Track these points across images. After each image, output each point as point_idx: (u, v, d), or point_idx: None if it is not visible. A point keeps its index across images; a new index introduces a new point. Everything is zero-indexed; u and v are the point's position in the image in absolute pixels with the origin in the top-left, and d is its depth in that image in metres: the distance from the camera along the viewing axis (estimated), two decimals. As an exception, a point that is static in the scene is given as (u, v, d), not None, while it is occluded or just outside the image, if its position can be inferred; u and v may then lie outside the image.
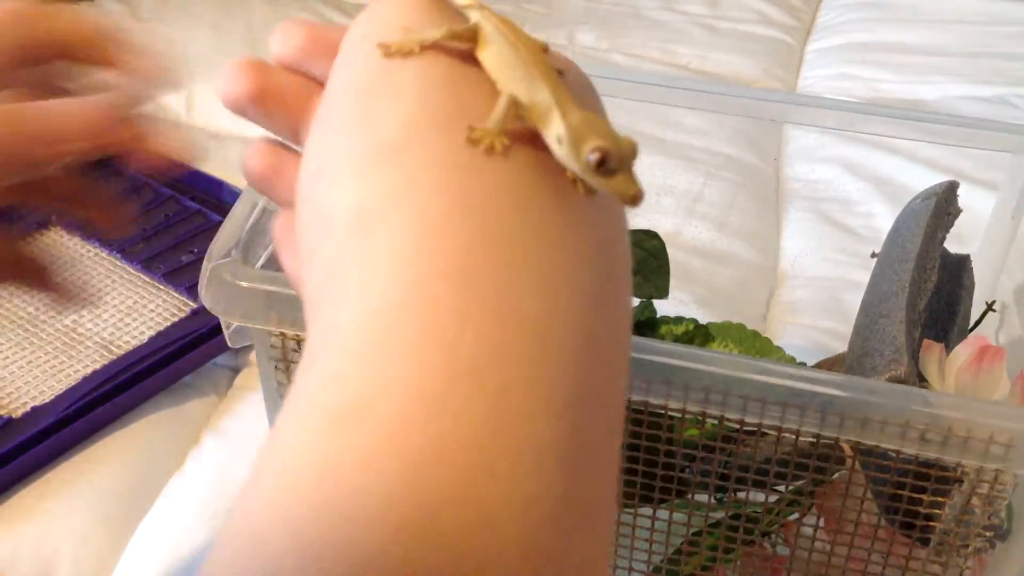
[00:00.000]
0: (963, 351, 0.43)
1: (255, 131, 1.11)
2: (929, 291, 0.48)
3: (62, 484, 0.68)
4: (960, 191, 0.55)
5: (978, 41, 1.22)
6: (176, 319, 0.79)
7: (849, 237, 0.91)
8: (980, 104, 1.10)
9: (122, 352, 0.75)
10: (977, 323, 0.55)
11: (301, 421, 0.19)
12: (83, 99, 0.30)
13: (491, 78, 0.23)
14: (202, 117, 1.09)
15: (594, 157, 0.21)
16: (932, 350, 0.43)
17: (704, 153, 1.01)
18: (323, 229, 0.22)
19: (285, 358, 0.44)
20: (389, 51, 0.23)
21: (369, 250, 0.20)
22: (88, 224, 0.33)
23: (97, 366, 0.74)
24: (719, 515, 0.46)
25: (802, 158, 1.03)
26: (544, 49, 0.25)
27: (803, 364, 0.52)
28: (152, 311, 0.80)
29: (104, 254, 0.86)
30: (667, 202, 0.93)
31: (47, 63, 0.30)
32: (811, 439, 0.39)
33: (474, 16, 0.24)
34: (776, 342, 0.81)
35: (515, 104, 0.22)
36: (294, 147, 0.28)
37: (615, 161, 0.21)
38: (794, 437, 0.39)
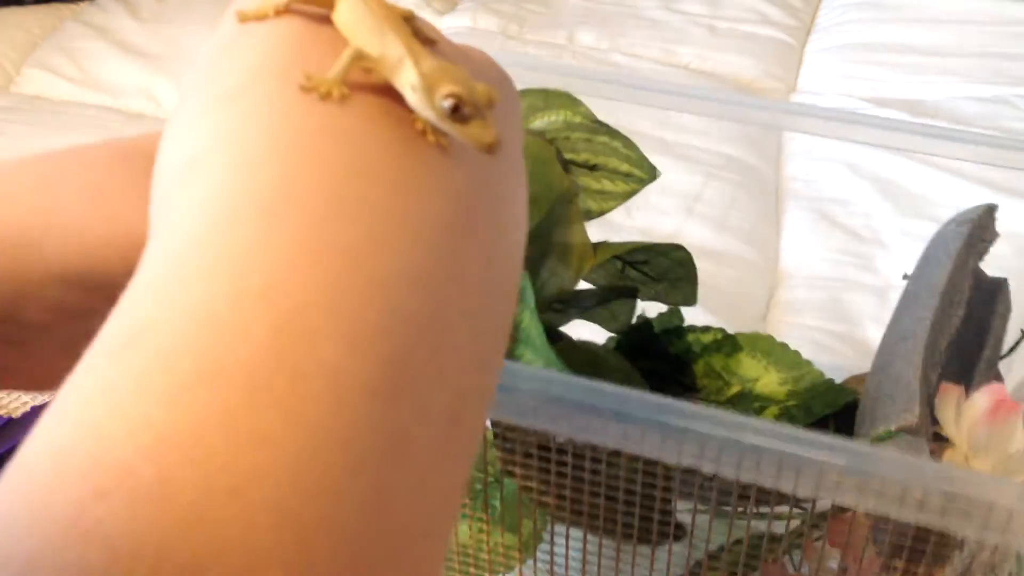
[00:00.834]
0: (980, 399, 0.42)
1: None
2: (955, 327, 0.47)
3: (62, 484, 0.68)
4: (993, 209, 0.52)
5: (978, 41, 1.22)
6: (176, 319, 0.79)
7: (849, 237, 0.91)
8: (980, 104, 1.10)
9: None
10: (1011, 350, 0.54)
11: (85, 359, 0.18)
12: None
13: (343, 37, 0.23)
14: (202, 117, 1.09)
15: (448, 103, 0.21)
16: (949, 394, 0.42)
17: (704, 153, 1.01)
18: (156, 183, 0.22)
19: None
20: (245, 16, 0.23)
21: (186, 193, 0.20)
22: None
23: (97, 366, 0.74)
24: (723, 541, 0.45)
25: (802, 158, 1.03)
26: (409, 16, 0.25)
27: (831, 381, 0.51)
28: (152, 311, 0.80)
29: (104, 254, 0.86)
30: (667, 202, 0.93)
31: None
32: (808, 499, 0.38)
33: None
34: (776, 342, 0.82)
35: (362, 57, 0.22)
36: None
37: (470, 107, 0.21)
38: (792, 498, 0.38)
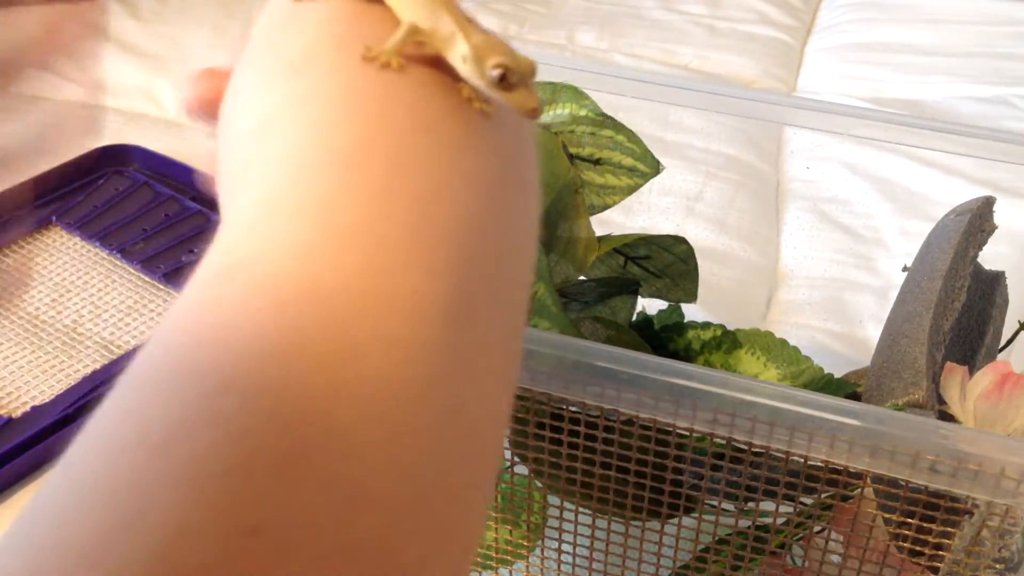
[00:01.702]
0: (985, 377, 0.42)
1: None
2: (957, 311, 0.48)
3: (62, 484, 0.68)
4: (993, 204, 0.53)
5: (978, 41, 1.22)
6: (176, 319, 0.79)
7: (849, 237, 0.91)
8: (980, 104, 1.10)
9: (122, 352, 0.75)
10: (1008, 342, 0.54)
11: (189, 286, 0.20)
12: None
13: (395, 15, 0.25)
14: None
15: (496, 72, 0.23)
16: (954, 373, 0.43)
17: (704, 153, 1.01)
18: (230, 142, 0.24)
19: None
20: None
21: (263, 151, 0.22)
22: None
23: (97, 366, 0.74)
24: (730, 526, 0.46)
25: (802, 158, 1.03)
26: None
27: (830, 376, 0.51)
28: (152, 311, 0.80)
29: (104, 254, 0.86)
30: (667, 202, 0.93)
31: None
32: (819, 463, 0.38)
33: None
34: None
35: (415, 31, 0.24)
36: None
37: (516, 76, 0.23)
38: (802, 460, 0.38)
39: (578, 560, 0.48)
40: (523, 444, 0.44)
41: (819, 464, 0.39)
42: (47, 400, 0.71)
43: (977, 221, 0.52)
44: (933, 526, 0.39)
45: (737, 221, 0.93)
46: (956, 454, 0.35)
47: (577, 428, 0.42)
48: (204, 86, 0.28)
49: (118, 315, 0.80)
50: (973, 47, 1.21)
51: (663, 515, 0.44)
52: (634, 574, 0.47)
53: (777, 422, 0.37)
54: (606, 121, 0.53)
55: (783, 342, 0.52)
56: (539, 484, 0.47)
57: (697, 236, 0.90)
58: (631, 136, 0.54)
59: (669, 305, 0.59)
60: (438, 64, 0.24)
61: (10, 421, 0.70)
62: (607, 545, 0.47)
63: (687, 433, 0.39)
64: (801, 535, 0.46)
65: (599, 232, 0.55)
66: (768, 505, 0.44)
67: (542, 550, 0.49)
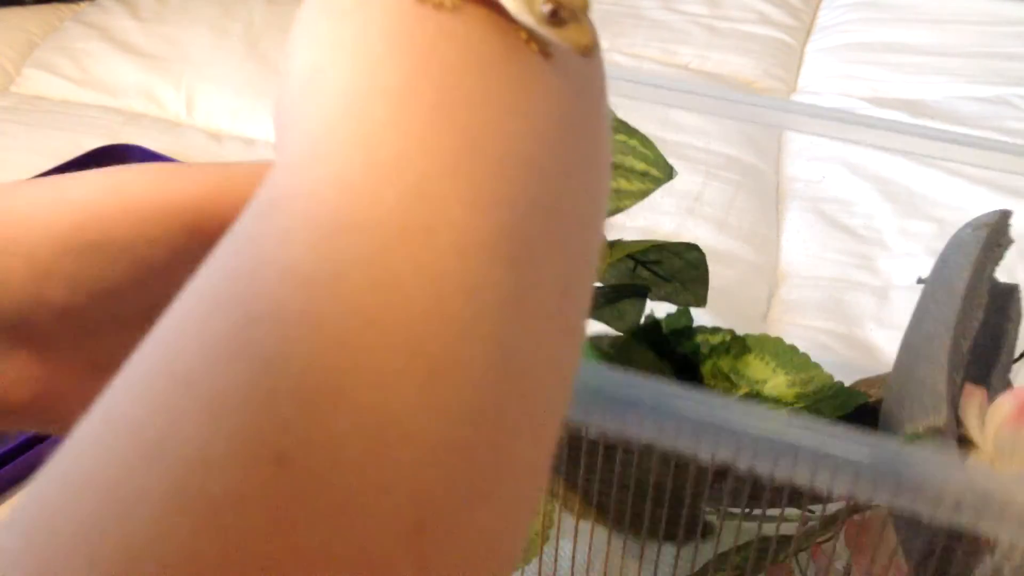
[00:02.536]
0: (1005, 403, 0.42)
1: (255, 132, 1.11)
2: (975, 329, 0.47)
3: (62, 484, 0.67)
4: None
5: (978, 41, 1.22)
6: (176, 319, 0.79)
7: (849, 237, 0.91)
8: (980, 104, 1.10)
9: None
10: (1020, 356, 0.53)
11: (233, 225, 0.20)
12: None
13: None
14: (202, 117, 1.09)
15: (547, 7, 0.22)
16: (973, 397, 0.42)
17: (704, 153, 1.01)
18: (285, 89, 0.24)
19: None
20: None
21: (318, 95, 0.22)
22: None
23: (97, 366, 0.74)
24: (747, 536, 0.45)
25: (802, 158, 1.03)
26: None
27: (840, 384, 0.50)
28: (152, 311, 0.80)
29: (104, 254, 0.86)
30: (667, 202, 0.93)
31: None
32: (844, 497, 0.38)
33: None
34: (776, 342, 0.82)
35: None
36: None
37: (567, 11, 0.22)
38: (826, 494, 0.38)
39: (589, 567, 0.48)
40: None
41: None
42: (47, 400, 0.71)
43: (994, 236, 0.51)
44: (953, 560, 0.39)
45: (737, 221, 0.93)
46: (980, 493, 0.35)
47: (595, 451, 0.42)
48: None
49: (118, 315, 0.80)
50: (973, 47, 1.21)
51: (679, 539, 0.44)
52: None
53: (800, 457, 0.36)
54: (619, 126, 0.53)
55: (793, 348, 0.51)
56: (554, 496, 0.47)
57: (697, 236, 0.90)
58: (644, 141, 0.53)
59: (678, 309, 0.59)
60: (494, 6, 0.23)
61: (10, 421, 0.70)
62: (622, 559, 0.46)
63: (708, 461, 0.39)
64: (808, 545, 0.46)
65: (609, 235, 0.55)
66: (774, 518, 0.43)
67: (556, 552, 0.49)
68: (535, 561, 0.50)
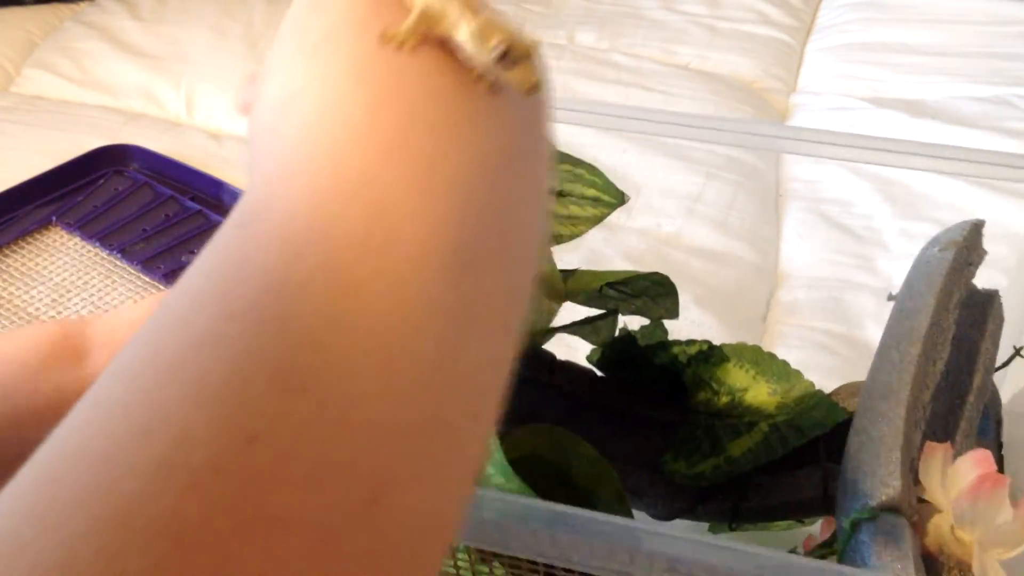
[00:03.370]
0: (965, 469, 0.40)
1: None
2: (939, 372, 0.45)
3: (62, 484, 0.68)
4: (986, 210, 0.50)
5: (978, 41, 1.22)
6: (176, 319, 0.79)
7: (849, 237, 0.91)
8: (980, 104, 1.10)
9: (122, 352, 0.75)
10: (1004, 365, 0.52)
11: (213, 237, 0.22)
12: None
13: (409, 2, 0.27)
14: (202, 117, 1.09)
15: (498, 50, 0.24)
16: (934, 454, 0.41)
17: (704, 153, 1.01)
18: (258, 115, 0.26)
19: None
20: None
21: (290, 121, 0.24)
22: None
23: (97, 366, 0.74)
24: None
25: (802, 158, 1.03)
26: None
27: (820, 392, 0.49)
28: (152, 311, 0.80)
29: (104, 254, 0.86)
30: (667, 202, 0.93)
31: None
32: None
33: None
34: (775, 343, 0.82)
35: (426, 15, 0.26)
36: None
37: (516, 53, 0.25)
38: None
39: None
40: None
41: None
42: (47, 400, 0.71)
43: (963, 254, 0.49)
44: None
45: (737, 221, 0.93)
46: None
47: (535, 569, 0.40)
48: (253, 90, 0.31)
49: (118, 315, 0.80)
50: (973, 47, 1.21)
51: None
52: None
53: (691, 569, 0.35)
54: (564, 157, 0.53)
55: (772, 356, 0.50)
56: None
57: (697, 236, 0.90)
58: (591, 169, 0.53)
59: (651, 322, 0.58)
60: (449, 48, 0.26)
61: (10, 421, 0.70)
62: None
63: None
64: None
65: (598, 233, 0.55)
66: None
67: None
68: None
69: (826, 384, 0.52)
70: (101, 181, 0.94)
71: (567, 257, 0.55)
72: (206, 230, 0.88)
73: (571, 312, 0.54)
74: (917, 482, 0.41)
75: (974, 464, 0.41)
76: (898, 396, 0.43)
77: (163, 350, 0.20)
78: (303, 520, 0.18)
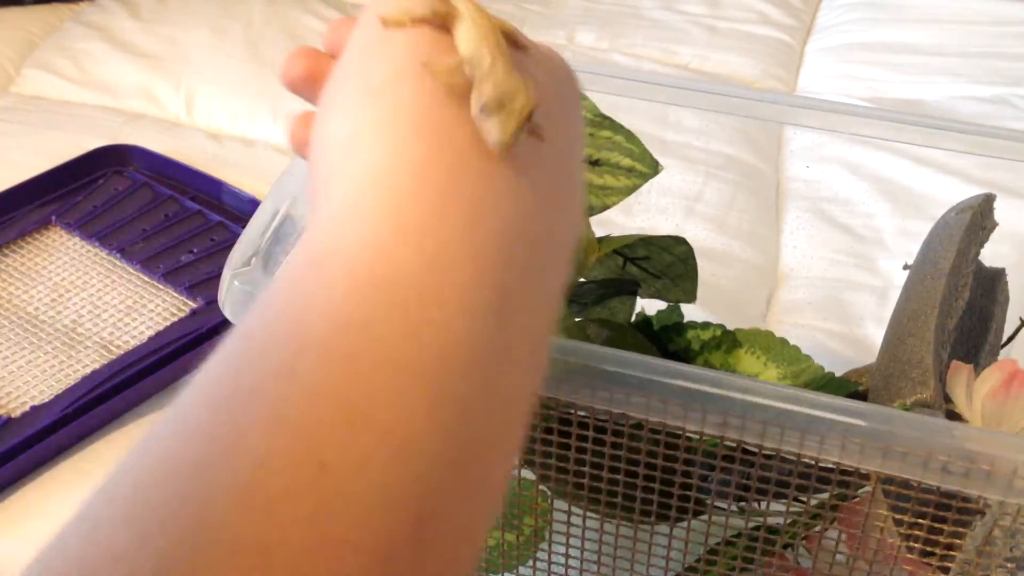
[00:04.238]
0: (991, 375, 0.42)
1: (255, 132, 1.12)
2: (960, 309, 0.47)
3: (62, 484, 0.68)
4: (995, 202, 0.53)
5: (978, 41, 1.22)
6: (176, 319, 0.79)
7: (849, 237, 0.91)
8: (980, 104, 1.10)
9: (122, 352, 0.75)
10: (1010, 339, 0.54)
11: (283, 270, 0.26)
12: None
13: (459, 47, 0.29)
14: (202, 117, 1.09)
15: (477, 103, 0.27)
16: (960, 372, 0.43)
17: (704, 153, 1.01)
18: (323, 150, 0.28)
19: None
20: (387, 23, 0.30)
21: (354, 162, 0.27)
22: None
23: (97, 366, 0.74)
24: (739, 526, 0.45)
25: (802, 158, 1.03)
26: (509, 31, 0.32)
27: (831, 375, 0.50)
28: (152, 311, 0.80)
29: (104, 254, 0.86)
30: (667, 202, 0.93)
31: None
32: (830, 465, 0.38)
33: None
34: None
35: (466, 62, 0.28)
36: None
37: (492, 106, 0.26)
38: (813, 462, 0.38)
39: (585, 564, 0.48)
40: (530, 449, 0.44)
41: (830, 466, 0.38)
42: (47, 400, 0.71)
43: (978, 218, 0.52)
44: (944, 526, 0.39)
45: (737, 221, 0.93)
46: (968, 454, 0.35)
47: (585, 432, 0.42)
48: (301, 64, 0.34)
49: (117, 315, 0.80)
50: (973, 47, 1.21)
51: (672, 518, 0.44)
52: (642, 573, 0.47)
53: (788, 425, 0.36)
54: (604, 122, 0.53)
55: (783, 341, 0.52)
56: (545, 489, 0.47)
57: (697, 236, 0.90)
58: (629, 136, 0.53)
59: (668, 306, 0.59)
60: None
61: (9, 421, 0.70)
62: (615, 548, 0.47)
63: (696, 436, 0.39)
64: (806, 535, 0.46)
65: (598, 233, 0.55)
66: (776, 506, 0.44)
67: (548, 554, 0.49)
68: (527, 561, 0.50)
69: (827, 383, 0.52)
70: (101, 181, 0.94)
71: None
72: (205, 230, 0.88)
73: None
74: (946, 399, 0.43)
75: (1000, 369, 0.42)
76: (927, 318, 0.46)
77: (243, 376, 0.22)
78: (364, 540, 0.20)
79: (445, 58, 0.28)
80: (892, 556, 0.41)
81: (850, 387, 0.50)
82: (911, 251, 0.55)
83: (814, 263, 0.89)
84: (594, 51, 1.21)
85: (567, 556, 0.48)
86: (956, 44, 1.21)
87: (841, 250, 0.89)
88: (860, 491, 0.42)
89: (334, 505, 0.20)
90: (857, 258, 0.88)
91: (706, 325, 0.53)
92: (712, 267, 0.86)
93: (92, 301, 0.81)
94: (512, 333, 0.25)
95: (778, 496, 0.42)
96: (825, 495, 0.43)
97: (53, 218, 0.89)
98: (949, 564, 0.40)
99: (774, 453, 0.39)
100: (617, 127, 0.53)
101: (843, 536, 0.44)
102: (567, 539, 0.47)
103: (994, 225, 0.52)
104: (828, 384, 0.50)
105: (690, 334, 0.52)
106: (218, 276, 0.42)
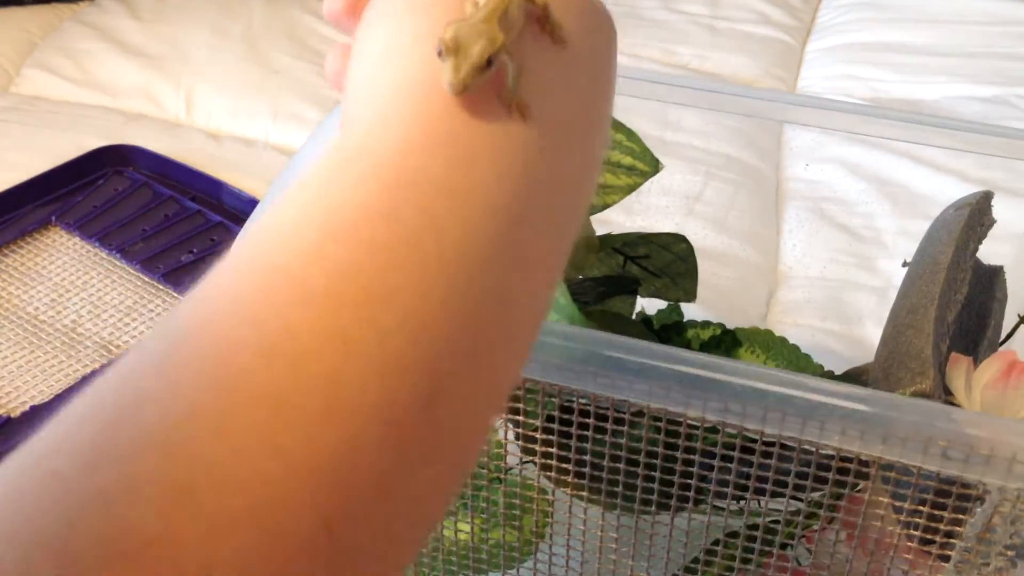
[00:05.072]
0: (990, 366, 0.42)
1: (254, 132, 1.11)
2: (959, 303, 0.48)
3: (62, 484, 0.67)
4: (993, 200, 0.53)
5: (978, 41, 1.22)
6: (176, 319, 0.79)
7: (849, 237, 0.91)
8: (980, 104, 1.10)
9: (122, 352, 0.75)
10: (1009, 336, 0.54)
11: (317, 164, 0.26)
12: None
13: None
14: (202, 117, 1.09)
15: (437, 48, 0.27)
16: (959, 363, 0.43)
17: (704, 153, 1.01)
18: (359, 64, 0.30)
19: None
20: None
21: (390, 72, 0.28)
22: None
23: (96, 366, 0.74)
24: (738, 524, 0.45)
25: (802, 158, 1.03)
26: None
27: (831, 373, 0.51)
28: (152, 311, 0.80)
29: (104, 254, 0.86)
30: (667, 202, 0.93)
31: None
32: (831, 452, 0.38)
33: None
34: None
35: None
36: None
37: (447, 49, 0.27)
38: (814, 449, 0.38)
39: (586, 557, 0.48)
40: (531, 438, 0.44)
41: (830, 453, 0.39)
42: (46, 400, 0.71)
43: (977, 215, 0.52)
44: (944, 513, 0.39)
45: (737, 221, 0.93)
46: (968, 439, 0.35)
47: (586, 420, 0.42)
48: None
49: (117, 315, 0.80)
50: (973, 47, 1.21)
51: (672, 508, 0.44)
52: (643, 570, 0.47)
53: (788, 410, 0.36)
54: None
55: (783, 340, 0.52)
56: (546, 486, 0.47)
57: (697, 236, 0.90)
58: (630, 135, 0.53)
59: (668, 305, 0.59)
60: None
61: (9, 421, 0.70)
62: (616, 545, 0.47)
63: (697, 423, 0.39)
64: (804, 533, 0.46)
65: (598, 231, 0.55)
66: (776, 502, 0.44)
67: (549, 554, 0.49)
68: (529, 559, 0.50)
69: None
70: (101, 181, 0.94)
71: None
72: (206, 230, 0.88)
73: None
74: (945, 391, 0.43)
75: (1000, 360, 0.43)
76: (926, 311, 0.46)
77: (273, 255, 0.24)
78: (378, 408, 0.21)
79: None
80: (892, 545, 0.41)
81: (850, 382, 0.50)
82: (910, 250, 0.55)
83: (814, 263, 0.89)
84: (594, 51, 1.21)
85: (568, 557, 0.48)
86: (956, 44, 1.21)
87: (841, 250, 0.89)
88: (859, 487, 0.42)
89: (352, 370, 0.21)
90: (857, 258, 0.88)
91: (706, 324, 0.53)
92: (712, 267, 0.86)
93: (92, 301, 0.81)
94: (530, 237, 0.26)
95: (776, 494, 0.42)
96: (824, 492, 0.43)
97: (53, 218, 0.89)
98: (949, 552, 0.40)
99: (774, 441, 0.39)
100: (618, 125, 0.53)
101: (842, 535, 0.44)
102: (568, 537, 0.47)
103: (992, 222, 0.52)
104: None
105: (690, 333, 0.53)
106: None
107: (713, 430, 0.40)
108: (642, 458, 0.42)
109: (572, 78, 0.30)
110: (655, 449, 0.42)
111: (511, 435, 0.46)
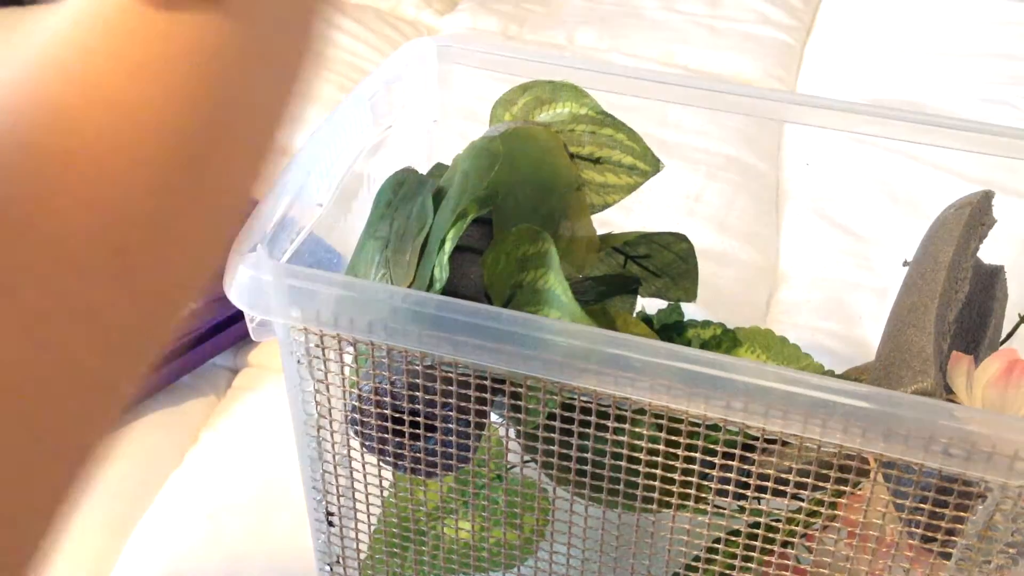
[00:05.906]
0: (991, 364, 0.42)
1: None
2: (960, 302, 0.48)
3: (61, 484, 0.67)
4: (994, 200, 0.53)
5: (978, 41, 1.22)
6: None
7: (849, 237, 0.91)
8: (980, 104, 1.10)
9: (121, 352, 0.75)
10: (1009, 335, 0.54)
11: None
12: None
13: None
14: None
15: None
16: (960, 362, 0.43)
17: (704, 153, 1.01)
18: None
19: (308, 353, 0.44)
20: None
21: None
22: None
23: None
24: (739, 524, 0.45)
25: (802, 158, 1.03)
26: None
27: (831, 372, 0.51)
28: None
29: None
30: (667, 202, 0.93)
31: None
32: (833, 450, 0.38)
33: None
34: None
35: None
36: None
37: None
38: (816, 447, 0.38)
39: (587, 555, 0.48)
40: (532, 436, 0.44)
41: (832, 450, 0.39)
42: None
43: (977, 214, 0.52)
44: (946, 511, 0.39)
45: (737, 221, 0.93)
46: (970, 436, 0.35)
47: (588, 418, 0.42)
48: None
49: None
50: (973, 47, 1.21)
51: (674, 506, 0.44)
52: (644, 569, 0.47)
53: (791, 407, 0.36)
54: (606, 119, 0.53)
55: (783, 340, 0.52)
56: (547, 486, 0.47)
57: (697, 236, 0.89)
58: (631, 134, 0.53)
59: (669, 305, 0.59)
60: None
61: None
62: (616, 544, 0.47)
63: (699, 421, 0.39)
64: (805, 532, 0.46)
65: (599, 231, 0.55)
66: (778, 502, 0.44)
67: (550, 553, 0.49)
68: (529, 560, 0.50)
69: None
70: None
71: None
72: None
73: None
74: (947, 389, 0.43)
75: (1000, 358, 0.43)
76: (927, 309, 0.46)
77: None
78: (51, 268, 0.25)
79: None
80: (893, 543, 0.41)
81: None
82: (910, 250, 0.55)
83: (814, 263, 0.89)
84: (594, 51, 1.21)
85: (568, 556, 0.48)
86: (956, 44, 1.21)
87: (841, 250, 0.89)
88: (859, 485, 0.42)
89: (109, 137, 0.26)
90: (857, 258, 0.88)
91: (706, 324, 0.53)
92: (712, 267, 0.86)
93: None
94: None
95: (777, 493, 0.42)
96: (825, 490, 0.43)
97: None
98: (950, 550, 0.40)
99: (775, 438, 0.38)
100: (619, 125, 0.53)
101: (843, 534, 0.44)
102: (569, 536, 0.47)
103: (992, 222, 0.52)
104: None
105: (690, 333, 0.53)
106: (218, 276, 0.42)
107: (715, 428, 0.40)
108: (643, 456, 0.42)
109: None
110: (656, 447, 0.42)
111: (512, 433, 0.46)
